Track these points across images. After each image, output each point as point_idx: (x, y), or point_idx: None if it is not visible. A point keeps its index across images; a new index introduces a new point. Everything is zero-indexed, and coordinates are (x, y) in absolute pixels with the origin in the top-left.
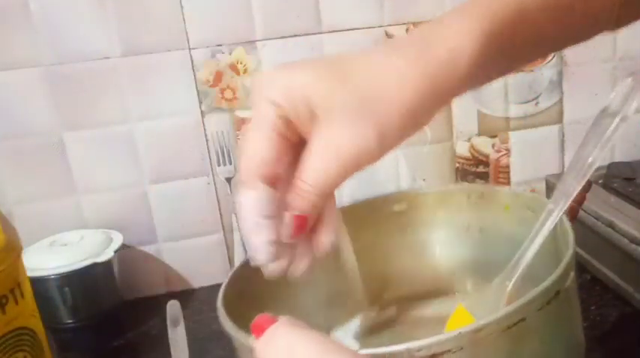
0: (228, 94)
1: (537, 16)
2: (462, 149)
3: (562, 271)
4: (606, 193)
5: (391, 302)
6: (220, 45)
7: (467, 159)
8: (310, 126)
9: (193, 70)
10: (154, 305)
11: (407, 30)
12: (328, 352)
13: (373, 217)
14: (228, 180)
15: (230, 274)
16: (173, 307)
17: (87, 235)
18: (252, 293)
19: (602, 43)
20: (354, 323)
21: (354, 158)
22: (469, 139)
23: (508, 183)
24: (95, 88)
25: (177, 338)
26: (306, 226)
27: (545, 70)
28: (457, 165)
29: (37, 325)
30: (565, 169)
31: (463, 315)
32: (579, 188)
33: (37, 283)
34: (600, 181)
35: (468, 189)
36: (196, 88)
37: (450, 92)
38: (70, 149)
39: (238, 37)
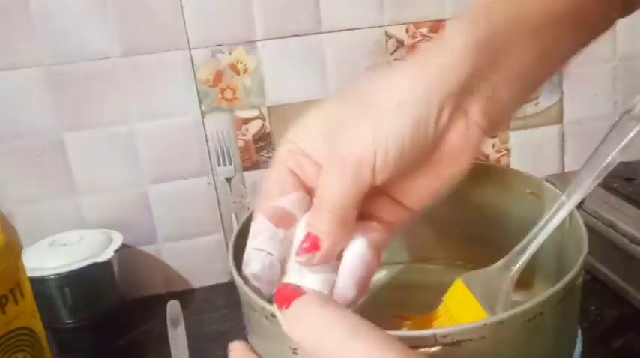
0: (228, 94)
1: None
2: None
3: (578, 268)
4: (606, 193)
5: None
6: (220, 45)
7: None
8: (324, 155)
9: (193, 70)
10: (154, 305)
11: (407, 30)
12: (362, 333)
13: None
14: (228, 180)
15: (237, 230)
16: (173, 307)
17: (87, 235)
18: None
19: (602, 43)
20: None
21: (356, 172)
22: None
23: None
24: (95, 88)
25: (178, 338)
26: (318, 248)
27: None
28: None
29: (37, 325)
30: (582, 164)
31: (461, 291)
32: (594, 185)
33: (37, 283)
34: (600, 181)
35: (479, 168)
36: (196, 87)
37: (450, 104)
38: (70, 149)
39: (238, 37)
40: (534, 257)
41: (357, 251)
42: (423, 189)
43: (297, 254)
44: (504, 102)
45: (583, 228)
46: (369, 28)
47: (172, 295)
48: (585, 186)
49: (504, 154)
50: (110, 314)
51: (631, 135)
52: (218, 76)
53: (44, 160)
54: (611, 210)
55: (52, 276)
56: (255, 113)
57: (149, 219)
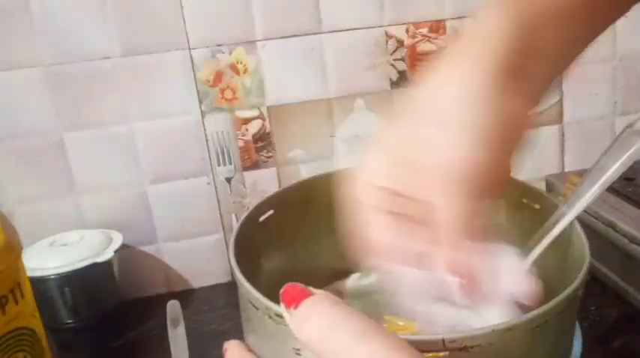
0: (228, 94)
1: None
2: None
3: (582, 278)
4: (606, 193)
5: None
6: (220, 45)
7: None
8: (411, 183)
9: (193, 70)
10: (154, 305)
11: (407, 30)
12: (369, 335)
13: None
14: (228, 180)
15: (236, 228)
16: (173, 307)
17: (87, 235)
18: (259, 245)
19: (602, 43)
20: (352, 279)
21: (464, 175)
22: None
23: None
24: (95, 88)
25: (178, 338)
26: (477, 282)
27: None
28: None
29: (37, 325)
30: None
31: None
32: (595, 197)
33: (37, 283)
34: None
35: None
36: (196, 88)
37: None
38: (70, 149)
39: (238, 37)
40: (532, 265)
41: (507, 255)
42: (503, 178)
43: (464, 295)
44: (543, 78)
45: (584, 240)
46: (369, 28)
47: (172, 295)
48: (586, 197)
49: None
50: (110, 314)
51: (633, 150)
52: (218, 76)
53: (44, 160)
54: (611, 210)
55: (52, 276)
56: (255, 113)
57: (149, 219)
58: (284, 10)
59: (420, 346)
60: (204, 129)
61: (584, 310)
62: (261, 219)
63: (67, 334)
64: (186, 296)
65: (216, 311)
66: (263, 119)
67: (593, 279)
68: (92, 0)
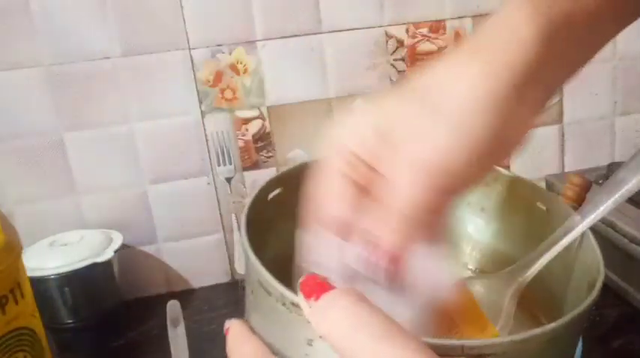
0: (228, 94)
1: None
2: None
3: (597, 294)
4: None
5: None
6: (220, 45)
7: None
8: (382, 157)
9: (193, 70)
10: (154, 305)
11: (407, 30)
12: (392, 336)
13: None
14: (228, 180)
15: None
16: (173, 307)
17: (87, 235)
18: (268, 222)
19: None
20: None
21: (437, 173)
22: None
23: None
24: (95, 88)
25: (178, 338)
26: (400, 263)
27: None
28: None
29: (37, 325)
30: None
31: (463, 293)
32: (610, 209)
33: (37, 283)
34: (600, 181)
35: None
36: (196, 88)
37: (519, 98)
38: (70, 149)
39: (238, 37)
40: (539, 272)
41: (439, 258)
42: (477, 181)
43: (386, 279)
44: (554, 87)
45: (598, 252)
46: (369, 28)
47: (172, 295)
48: (601, 209)
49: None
50: (110, 314)
51: None
52: (218, 76)
53: (44, 160)
54: (611, 210)
55: (52, 276)
56: (255, 113)
57: (149, 219)
58: (284, 10)
59: (439, 350)
60: (204, 129)
61: None
62: (270, 196)
63: (67, 334)
64: (186, 296)
65: (216, 311)
66: (263, 119)
67: None
68: (92, 0)
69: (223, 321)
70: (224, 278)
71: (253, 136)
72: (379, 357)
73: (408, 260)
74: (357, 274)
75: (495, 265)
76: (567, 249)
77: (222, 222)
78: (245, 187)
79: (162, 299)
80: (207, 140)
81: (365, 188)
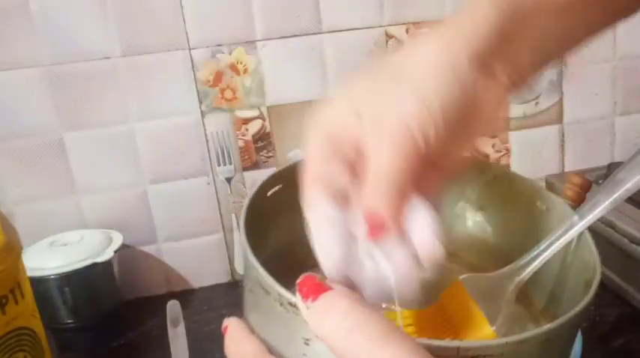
0: (228, 94)
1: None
2: None
3: (594, 294)
4: None
5: None
6: (220, 45)
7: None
8: (362, 134)
9: (193, 70)
10: (154, 305)
11: (407, 30)
12: (390, 338)
13: None
14: (228, 180)
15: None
16: (173, 307)
17: (87, 235)
18: (267, 219)
19: (602, 43)
20: None
21: (406, 135)
22: None
23: None
24: (95, 88)
25: (178, 338)
26: (384, 226)
27: None
28: None
29: (37, 325)
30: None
31: (460, 292)
32: (608, 209)
33: (37, 283)
34: (600, 181)
35: (484, 165)
36: (196, 88)
37: (477, 63)
38: (70, 149)
39: (238, 37)
40: (537, 270)
41: (423, 213)
42: (456, 154)
43: (368, 237)
44: (525, 67)
45: (595, 252)
46: (369, 28)
47: (172, 295)
48: (600, 209)
49: (504, 154)
50: (110, 314)
51: None
52: (218, 76)
53: (44, 160)
54: (611, 210)
55: (52, 276)
56: (255, 113)
57: (149, 219)
58: (284, 10)
59: (435, 351)
60: (204, 129)
61: None
62: (270, 193)
63: (67, 334)
64: (186, 296)
65: (216, 311)
66: (263, 119)
67: None
68: (92, 0)
69: (223, 321)
70: (224, 278)
71: (253, 136)
72: (381, 357)
73: (388, 217)
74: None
75: (494, 263)
76: (565, 247)
77: (222, 222)
78: (245, 187)
79: (162, 299)
80: (207, 140)
81: (352, 168)
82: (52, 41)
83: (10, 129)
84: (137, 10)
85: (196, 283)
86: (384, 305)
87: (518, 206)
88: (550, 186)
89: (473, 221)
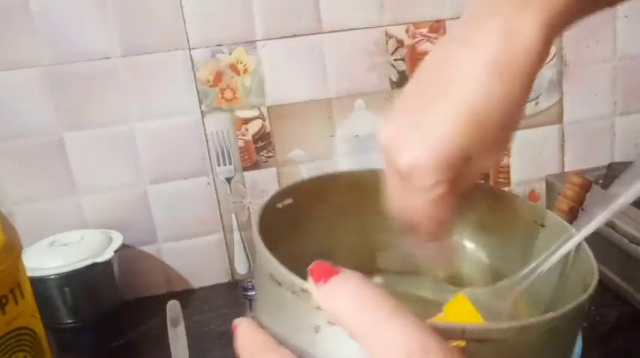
0: (228, 94)
1: None
2: None
3: (592, 291)
4: None
5: (377, 272)
6: (220, 45)
7: None
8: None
9: (193, 70)
10: (154, 305)
11: (407, 30)
12: (399, 313)
13: (380, 188)
14: (228, 180)
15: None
16: (173, 307)
17: (87, 235)
18: (277, 232)
19: (602, 43)
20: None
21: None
22: None
23: (508, 183)
24: (95, 88)
25: (178, 338)
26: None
27: (545, 70)
28: None
29: (37, 325)
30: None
31: (463, 304)
32: (604, 221)
33: (37, 283)
34: (600, 181)
35: (483, 188)
36: (196, 88)
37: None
38: (70, 149)
39: (238, 37)
40: (536, 281)
41: None
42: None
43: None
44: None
45: (593, 260)
46: (369, 28)
47: (172, 295)
48: (596, 221)
49: (504, 154)
50: (110, 314)
51: None
52: (218, 76)
53: (44, 160)
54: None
55: (52, 276)
56: (255, 113)
57: (149, 219)
58: (284, 10)
59: (440, 333)
60: (204, 129)
61: None
62: (280, 205)
63: (67, 334)
64: (186, 296)
65: (216, 311)
66: (263, 119)
67: None
68: (92, 0)
69: (223, 321)
70: (224, 278)
71: (253, 136)
72: (386, 333)
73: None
74: None
75: (493, 283)
76: (564, 260)
77: (222, 222)
78: (245, 187)
79: (162, 299)
80: (207, 140)
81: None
82: (52, 41)
83: (10, 129)
84: (137, 10)
85: (196, 283)
86: None
87: (518, 226)
88: (550, 186)
89: (472, 244)
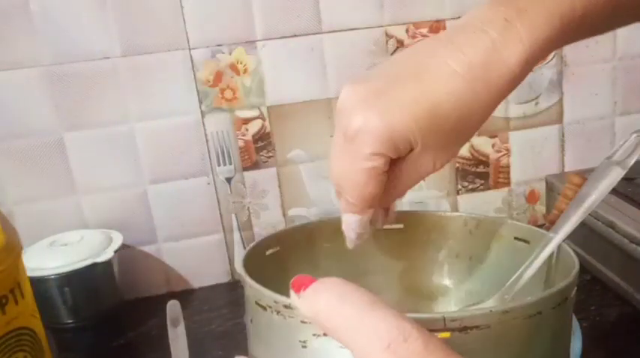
0: (228, 94)
1: None
2: (462, 149)
3: (572, 280)
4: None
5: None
6: (220, 45)
7: (467, 159)
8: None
9: (193, 70)
10: (154, 305)
11: (407, 30)
12: (377, 304)
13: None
14: (228, 180)
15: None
16: (173, 307)
17: (87, 235)
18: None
19: (602, 43)
20: None
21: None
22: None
23: (508, 183)
24: (95, 88)
25: (178, 338)
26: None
27: (545, 70)
28: (457, 165)
29: (37, 325)
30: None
31: None
32: (579, 222)
33: (37, 283)
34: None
35: (466, 217)
36: (196, 88)
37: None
38: (70, 149)
39: (238, 37)
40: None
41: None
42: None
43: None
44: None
45: (573, 255)
46: (369, 28)
47: (172, 295)
48: (571, 223)
49: (504, 154)
50: (110, 314)
51: (608, 179)
52: (218, 76)
53: (44, 160)
54: (611, 210)
55: (52, 276)
56: (255, 113)
57: (149, 219)
58: (284, 10)
59: (422, 324)
60: (204, 129)
61: (584, 310)
62: (268, 253)
63: (67, 334)
64: (186, 296)
65: (216, 311)
66: (263, 119)
67: (593, 279)
68: (92, 0)
69: (223, 321)
70: (224, 278)
71: (253, 136)
72: (367, 323)
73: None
74: None
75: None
76: (547, 262)
77: (222, 222)
78: (245, 187)
79: (162, 299)
80: (207, 140)
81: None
82: (52, 41)
83: (10, 129)
84: (137, 10)
85: (196, 283)
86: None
87: (501, 247)
88: (550, 186)
89: (457, 268)
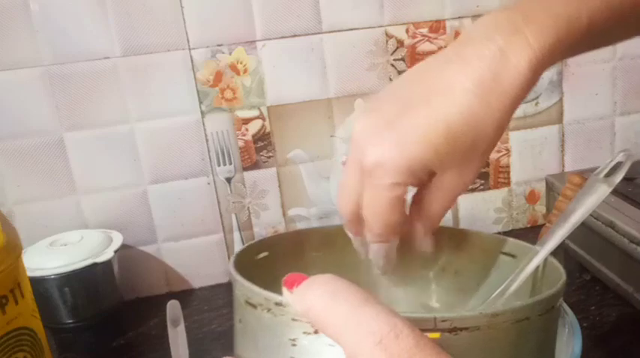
0: (228, 94)
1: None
2: None
3: (559, 288)
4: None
5: None
6: (220, 45)
7: None
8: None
9: (193, 70)
10: (154, 305)
11: (407, 30)
12: (369, 302)
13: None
14: (228, 180)
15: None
16: (173, 307)
17: (87, 235)
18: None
19: None
20: None
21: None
22: None
23: (508, 183)
24: (95, 88)
25: (177, 338)
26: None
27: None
28: None
29: (37, 325)
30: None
31: None
32: (565, 237)
33: (37, 283)
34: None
35: (449, 232)
36: (196, 87)
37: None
38: (70, 149)
39: (238, 37)
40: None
41: None
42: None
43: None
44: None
45: (561, 267)
46: (369, 28)
47: (172, 295)
48: (557, 237)
49: (504, 154)
50: (110, 314)
51: (595, 196)
52: (218, 76)
53: (44, 160)
54: (611, 210)
55: (52, 276)
56: (255, 113)
57: (149, 219)
58: (284, 10)
59: (414, 323)
60: (204, 129)
61: (584, 310)
62: (258, 257)
63: (67, 334)
64: (186, 296)
65: (216, 311)
66: (263, 119)
67: (593, 279)
68: (92, 0)
69: (223, 321)
70: (224, 278)
71: (253, 136)
72: (359, 320)
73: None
74: None
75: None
76: (533, 275)
77: (222, 222)
78: (245, 187)
79: (162, 299)
80: (207, 140)
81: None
82: (52, 41)
83: (10, 129)
84: (137, 10)
85: (196, 283)
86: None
87: (486, 262)
88: (550, 186)
89: (445, 284)
